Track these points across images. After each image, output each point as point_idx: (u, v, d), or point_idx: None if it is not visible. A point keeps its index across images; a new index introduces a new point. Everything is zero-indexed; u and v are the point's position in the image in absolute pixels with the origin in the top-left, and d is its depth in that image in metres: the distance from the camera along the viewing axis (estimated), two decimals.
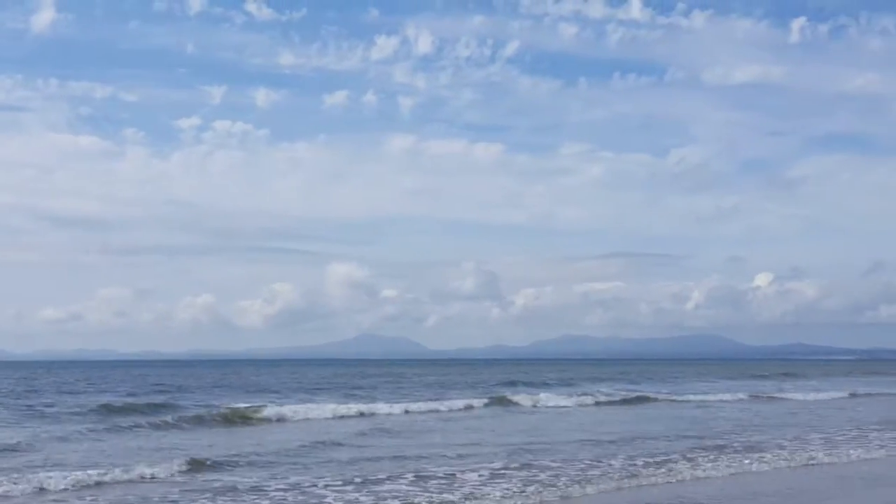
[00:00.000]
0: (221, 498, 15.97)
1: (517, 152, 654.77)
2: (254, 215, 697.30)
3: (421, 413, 37.56)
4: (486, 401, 42.53)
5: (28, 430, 27.55)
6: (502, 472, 18.87)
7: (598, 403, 44.55)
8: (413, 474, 18.44)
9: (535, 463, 20.29)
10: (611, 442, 25.16)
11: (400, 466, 19.84)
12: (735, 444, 24.37)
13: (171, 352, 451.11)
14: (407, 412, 37.49)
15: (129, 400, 42.68)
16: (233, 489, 16.82)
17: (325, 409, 36.62)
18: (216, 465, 19.99)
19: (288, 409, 35.26)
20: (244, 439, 26.43)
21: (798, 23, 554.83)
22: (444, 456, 21.80)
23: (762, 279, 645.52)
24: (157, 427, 29.20)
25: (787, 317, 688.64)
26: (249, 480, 17.84)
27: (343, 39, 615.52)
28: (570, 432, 28.73)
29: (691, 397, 49.32)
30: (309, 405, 38.23)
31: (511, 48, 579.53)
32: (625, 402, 45.75)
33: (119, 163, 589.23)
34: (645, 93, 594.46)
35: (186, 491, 16.65)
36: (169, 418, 31.46)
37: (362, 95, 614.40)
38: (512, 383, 63.41)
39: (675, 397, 49.11)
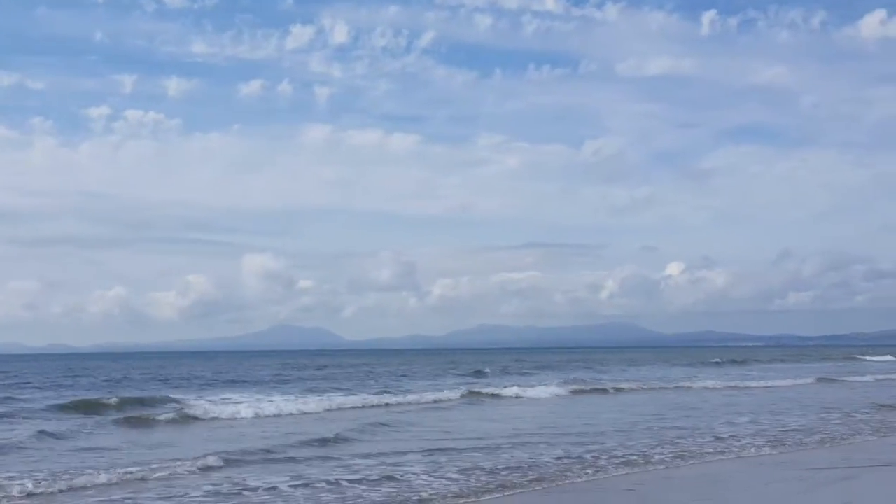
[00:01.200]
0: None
1: (433, 143, 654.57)
2: (167, 206, 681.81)
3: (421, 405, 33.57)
4: (462, 391, 38.38)
5: None
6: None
7: (579, 392, 40.66)
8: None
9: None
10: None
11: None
12: None
13: (80, 345, 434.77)
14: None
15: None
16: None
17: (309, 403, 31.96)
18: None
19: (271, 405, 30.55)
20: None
21: (708, 16, 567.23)
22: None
23: (674, 268, 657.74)
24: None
25: (699, 305, 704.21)
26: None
27: (257, 28, 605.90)
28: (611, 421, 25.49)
29: (665, 384, 46.04)
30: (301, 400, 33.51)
31: (427, 39, 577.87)
32: (603, 391, 41.83)
33: (27, 152, 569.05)
34: (560, 84, 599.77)
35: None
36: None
37: (277, 85, 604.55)
38: (480, 373, 59.72)
39: (652, 385, 45.68)
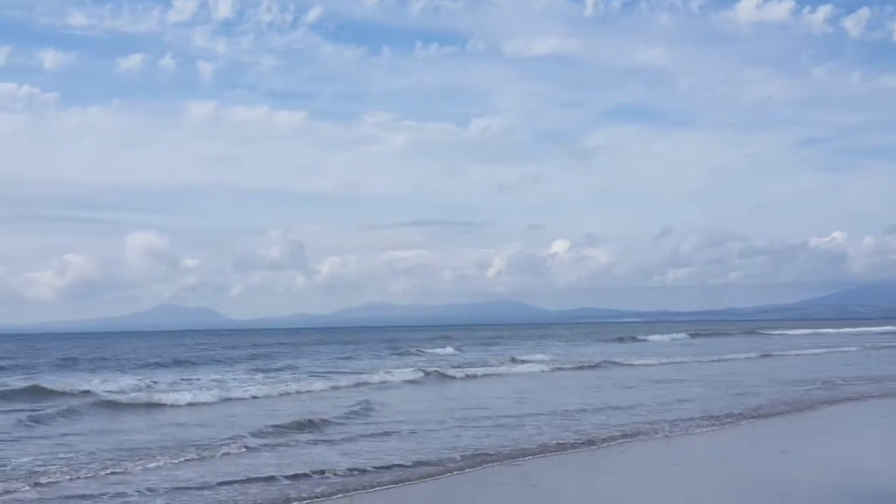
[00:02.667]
0: None
1: (321, 120, 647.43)
2: (44, 183, 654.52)
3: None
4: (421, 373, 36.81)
5: None
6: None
7: (560, 369, 39.64)
8: None
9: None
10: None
11: None
12: None
13: None
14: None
15: None
16: None
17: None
18: None
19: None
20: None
21: None
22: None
23: (559, 246, 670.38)
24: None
25: (582, 282, 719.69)
26: None
27: (138, 1, 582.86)
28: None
29: (637, 361, 45.25)
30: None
31: (314, 14, 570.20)
32: (589, 367, 40.84)
33: None
34: (447, 62, 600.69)
35: None
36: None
37: (159, 59, 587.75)
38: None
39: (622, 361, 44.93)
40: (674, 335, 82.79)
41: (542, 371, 38.11)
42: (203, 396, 25.86)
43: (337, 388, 29.57)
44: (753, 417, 20.05)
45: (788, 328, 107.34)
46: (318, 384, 29.90)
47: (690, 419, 19.56)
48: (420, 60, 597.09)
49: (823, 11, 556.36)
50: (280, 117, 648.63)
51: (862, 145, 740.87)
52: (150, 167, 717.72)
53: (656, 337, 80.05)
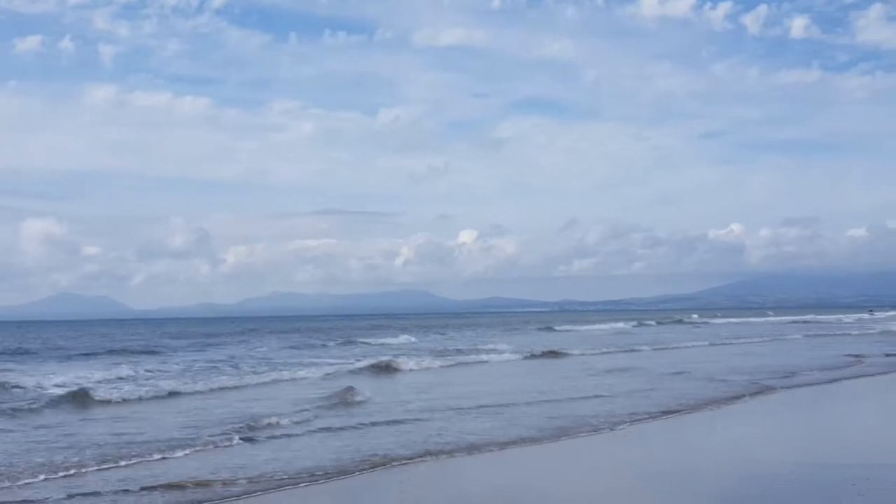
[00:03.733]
0: None
1: (227, 106, 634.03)
2: None
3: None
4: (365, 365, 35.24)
5: None
6: None
7: (532, 356, 38.54)
8: None
9: None
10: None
11: None
12: None
13: None
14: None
15: None
16: None
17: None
18: None
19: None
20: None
21: None
22: None
23: (467, 236, 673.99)
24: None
25: (488, 272, 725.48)
26: None
27: None
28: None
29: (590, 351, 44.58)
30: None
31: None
32: (558, 355, 39.77)
33: None
34: (356, 51, 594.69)
35: None
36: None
37: (58, 41, 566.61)
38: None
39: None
40: (617, 324, 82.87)
41: (519, 360, 37.05)
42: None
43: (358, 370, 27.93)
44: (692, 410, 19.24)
45: (711, 317, 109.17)
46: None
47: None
48: (328, 48, 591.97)
49: (724, 8, 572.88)
50: (184, 103, 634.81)
51: (760, 139, 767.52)
52: (48, 152, 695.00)
53: (600, 326, 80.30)
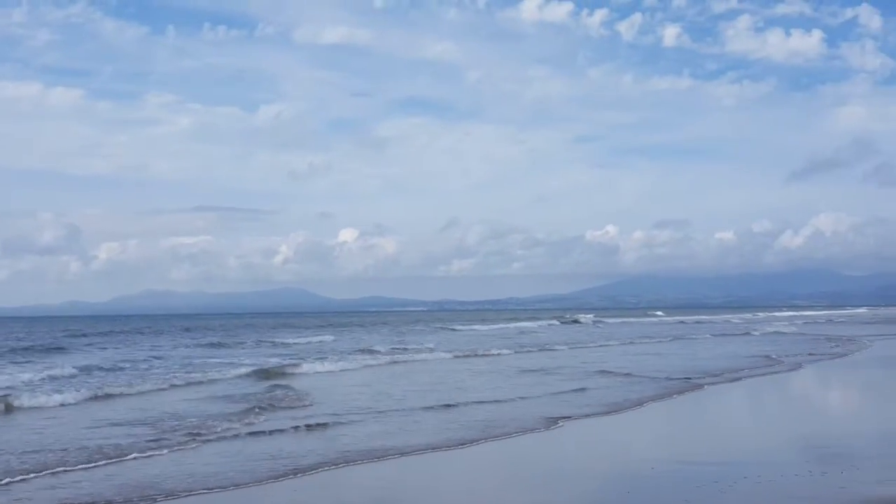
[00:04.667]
0: None
1: (99, 99, 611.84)
2: None
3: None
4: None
5: None
6: None
7: (462, 356, 37.68)
8: None
9: None
10: None
11: None
12: None
13: None
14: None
15: None
16: None
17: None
18: None
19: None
20: None
21: None
22: None
23: (347, 235, 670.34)
24: None
25: (369, 271, 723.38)
26: None
27: None
28: None
29: (508, 351, 44.25)
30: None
31: None
32: (479, 356, 39.17)
33: None
34: (236, 46, 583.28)
35: None
36: None
37: None
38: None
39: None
40: (521, 324, 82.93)
41: (450, 359, 36.29)
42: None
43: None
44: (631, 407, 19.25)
45: (605, 318, 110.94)
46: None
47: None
48: (208, 42, 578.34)
49: (600, 15, 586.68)
50: (55, 95, 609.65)
51: (633, 144, 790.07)
52: None
53: (528, 324, 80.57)
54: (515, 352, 40.85)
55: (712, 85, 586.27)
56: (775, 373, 28.12)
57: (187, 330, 77.14)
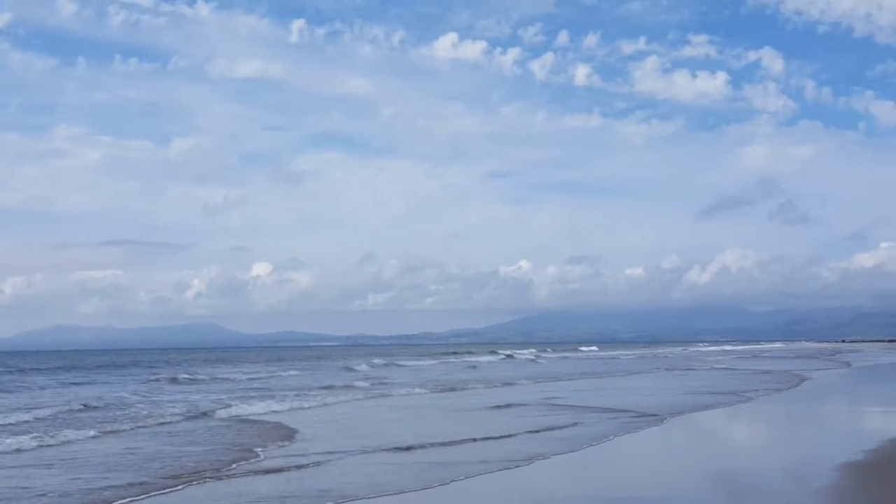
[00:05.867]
0: None
1: (6, 131, 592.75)
2: None
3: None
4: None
5: None
6: None
7: (441, 390, 37.73)
8: None
9: None
10: None
11: None
12: None
13: None
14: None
15: None
16: None
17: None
18: None
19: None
20: None
21: (298, 24, 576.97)
22: None
23: (261, 269, 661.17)
24: None
25: (283, 305, 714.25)
26: None
27: None
28: None
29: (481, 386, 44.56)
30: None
31: (2, 20, 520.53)
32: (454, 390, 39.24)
33: None
34: (148, 79, 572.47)
35: None
36: None
37: None
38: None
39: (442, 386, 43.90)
40: (466, 358, 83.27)
41: (428, 393, 36.42)
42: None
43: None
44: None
45: (542, 353, 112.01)
46: None
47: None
48: (119, 75, 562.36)
49: (513, 54, 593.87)
50: None
51: (546, 180, 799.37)
52: None
53: (485, 358, 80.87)
54: (486, 387, 41.16)
55: (622, 123, 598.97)
56: (748, 404, 28.95)
57: (106, 366, 74.31)
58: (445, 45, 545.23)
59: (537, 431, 21.05)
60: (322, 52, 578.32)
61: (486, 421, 24.26)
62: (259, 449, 18.24)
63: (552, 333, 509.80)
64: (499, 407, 28.54)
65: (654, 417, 24.24)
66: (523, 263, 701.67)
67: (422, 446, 18.54)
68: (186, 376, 49.54)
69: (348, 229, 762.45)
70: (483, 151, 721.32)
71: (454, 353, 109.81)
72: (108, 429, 22.16)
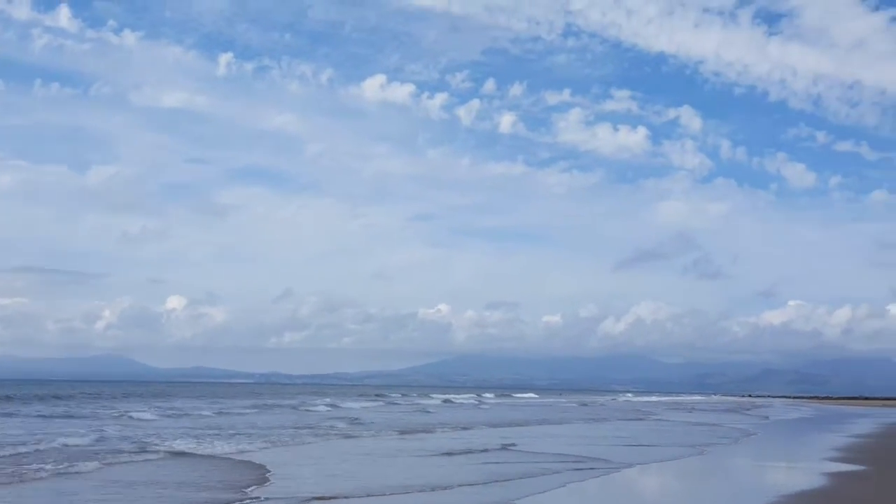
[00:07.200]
0: None
1: None
2: None
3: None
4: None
5: None
6: None
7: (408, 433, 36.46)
8: None
9: None
10: None
11: None
12: None
13: None
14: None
15: None
16: None
17: None
18: None
19: None
20: None
21: (226, 58, 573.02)
22: None
23: (176, 302, 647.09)
24: None
25: (196, 339, 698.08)
26: None
27: None
28: None
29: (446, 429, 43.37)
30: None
31: None
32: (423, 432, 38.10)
33: None
34: (68, 104, 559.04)
35: None
36: None
37: None
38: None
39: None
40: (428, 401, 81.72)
41: (397, 436, 35.09)
42: None
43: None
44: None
45: (480, 397, 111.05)
46: None
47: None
48: (38, 99, 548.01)
49: (440, 99, 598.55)
50: None
51: (468, 225, 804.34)
52: None
53: (425, 401, 79.21)
54: (453, 429, 40.05)
55: (544, 172, 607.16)
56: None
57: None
58: (374, 86, 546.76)
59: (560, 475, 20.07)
60: (249, 87, 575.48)
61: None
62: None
63: (467, 378, 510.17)
64: (486, 451, 27.50)
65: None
66: (442, 307, 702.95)
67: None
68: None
69: (268, 265, 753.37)
70: (407, 193, 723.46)
71: (378, 395, 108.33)
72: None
